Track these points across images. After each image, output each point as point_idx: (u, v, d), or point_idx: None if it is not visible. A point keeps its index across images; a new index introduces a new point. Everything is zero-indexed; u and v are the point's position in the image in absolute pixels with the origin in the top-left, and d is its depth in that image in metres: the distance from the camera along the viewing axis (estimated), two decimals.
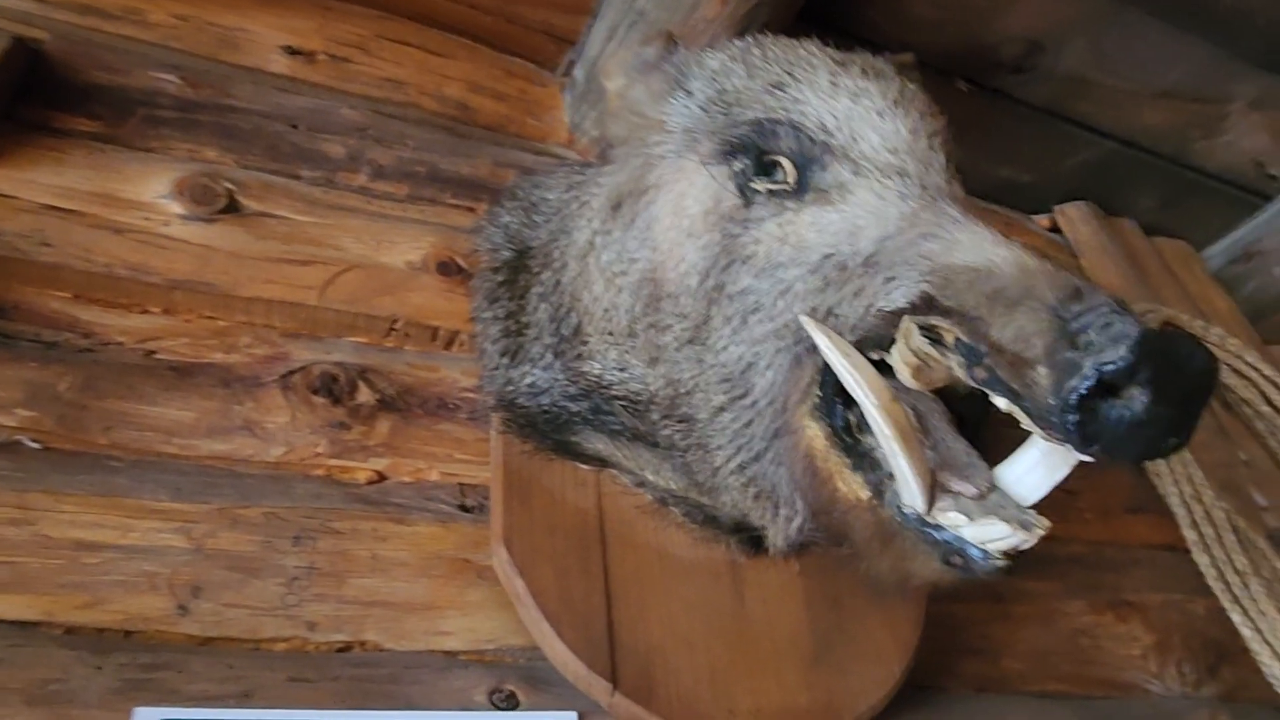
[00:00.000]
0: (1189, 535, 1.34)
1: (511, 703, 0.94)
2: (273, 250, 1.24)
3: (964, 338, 0.59)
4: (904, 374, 0.63)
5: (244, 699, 0.86)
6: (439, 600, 1.04)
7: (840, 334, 0.69)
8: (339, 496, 1.09)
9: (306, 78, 1.50)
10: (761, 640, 1.01)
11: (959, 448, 0.70)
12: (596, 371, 1.00)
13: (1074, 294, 0.58)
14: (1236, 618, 1.26)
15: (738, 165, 0.81)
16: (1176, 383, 0.56)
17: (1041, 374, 0.56)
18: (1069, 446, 0.59)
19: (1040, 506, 1.40)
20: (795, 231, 0.75)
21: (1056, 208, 2.03)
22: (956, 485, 0.66)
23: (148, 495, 1.01)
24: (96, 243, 1.16)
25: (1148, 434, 0.58)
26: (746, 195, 0.80)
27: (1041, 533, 0.67)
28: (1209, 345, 0.59)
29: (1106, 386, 0.56)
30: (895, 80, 0.85)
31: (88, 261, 1.14)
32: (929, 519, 0.66)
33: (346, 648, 0.99)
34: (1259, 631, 1.22)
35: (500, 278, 1.18)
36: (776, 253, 0.76)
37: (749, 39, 0.90)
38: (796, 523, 0.82)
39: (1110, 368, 0.55)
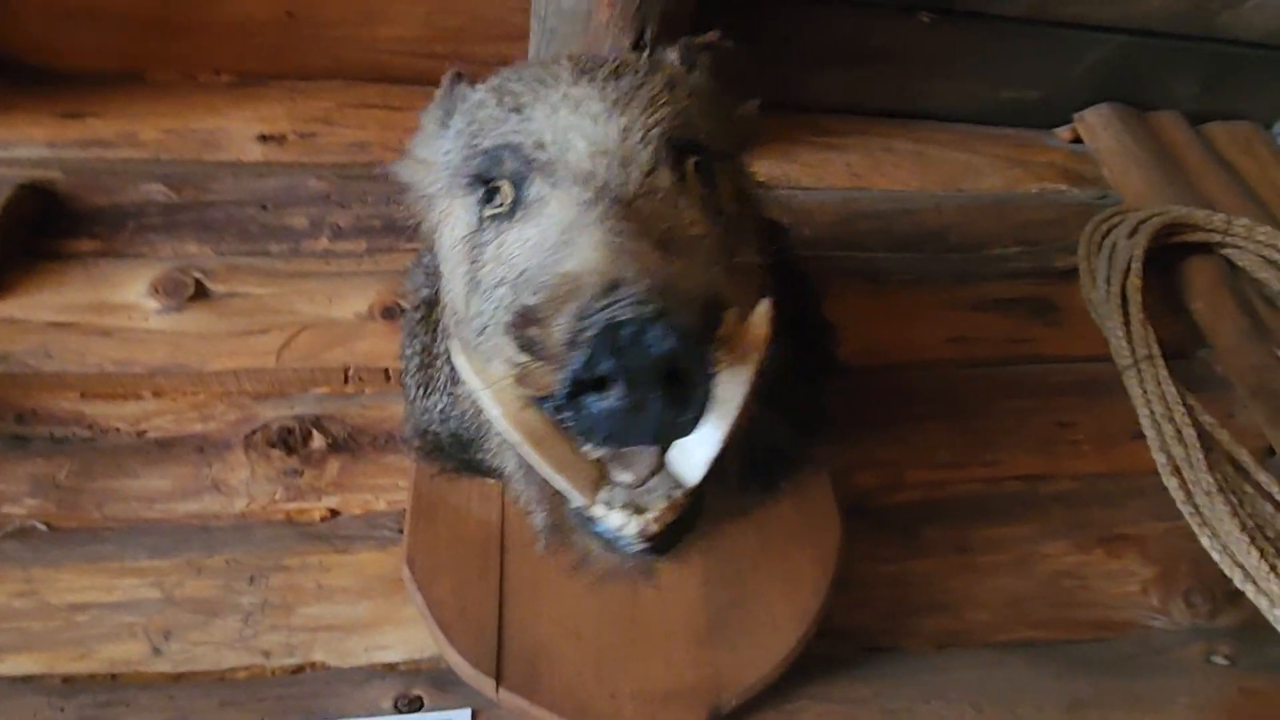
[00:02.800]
0: (1158, 458, 1.22)
1: (415, 706, 1.03)
2: (237, 325, 1.40)
3: (539, 347, 0.61)
4: (508, 383, 0.65)
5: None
6: (378, 619, 1.15)
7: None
8: (293, 537, 1.22)
9: (278, 159, 1.67)
10: (653, 624, 1.04)
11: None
12: (464, 393, 1.07)
13: (601, 293, 0.58)
14: (1205, 541, 1.14)
15: (476, 194, 0.86)
16: (646, 369, 0.55)
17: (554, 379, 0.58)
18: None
19: (1030, 442, 1.34)
20: (505, 251, 0.79)
21: (1076, 116, 1.89)
22: (618, 476, 0.68)
23: (129, 557, 1.18)
24: (90, 346, 1.36)
25: (641, 419, 0.58)
26: (480, 222, 0.85)
27: (651, 522, 0.67)
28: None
29: (595, 382, 0.57)
30: (633, 78, 0.86)
31: (84, 364, 1.34)
32: (585, 512, 0.69)
33: (299, 669, 1.11)
34: (1227, 552, 1.10)
35: (419, 315, 1.27)
36: (493, 274, 0.80)
37: (509, 70, 0.94)
38: (540, 520, 0.85)
39: (571, 372, 0.56)
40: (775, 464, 1.14)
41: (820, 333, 1.28)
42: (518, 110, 0.86)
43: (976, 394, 1.44)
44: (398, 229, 1.57)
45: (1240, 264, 1.50)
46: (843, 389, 1.39)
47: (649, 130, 0.82)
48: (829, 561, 1.10)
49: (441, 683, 1.06)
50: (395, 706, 1.03)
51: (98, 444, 1.29)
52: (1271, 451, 1.32)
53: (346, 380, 1.38)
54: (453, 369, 1.14)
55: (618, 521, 0.66)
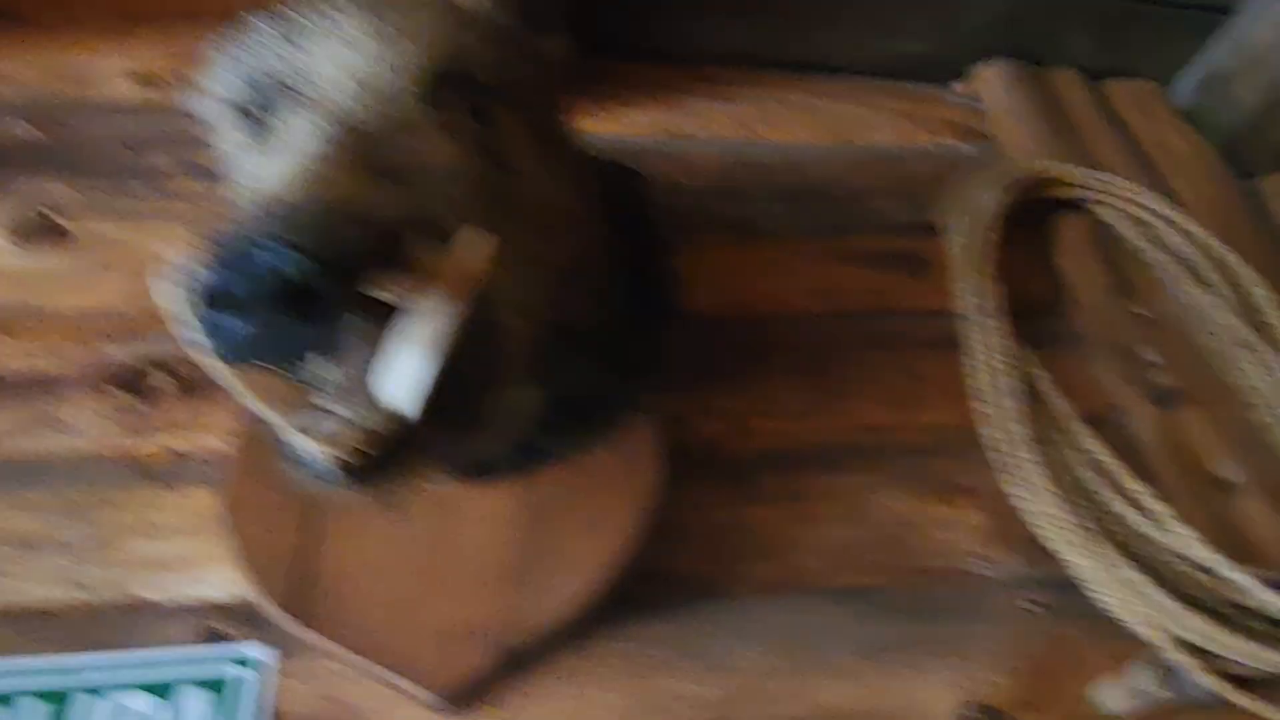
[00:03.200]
0: (982, 411, 1.23)
1: (218, 640, 1.04)
2: (90, 265, 1.39)
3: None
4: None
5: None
6: (202, 557, 1.15)
7: None
8: (129, 475, 1.22)
9: (147, 101, 1.64)
10: (459, 565, 1.05)
11: (362, 362, 0.70)
12: None
13: (257, 213, 0.58)
14: (1017, 496, 1.16)
15: (241, 124, 0.85)
16: (260, 281, 0.55)
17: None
18: None
19: (881, 394, 1.35)
20: (252, 182, 0.79)
21: (972, 71, 1.87)
22: (328, 403, 0.68)
23: None
24: None
25: (268, 337, 0.58)
26: (241, 152, 0.84)
27: (345, 452, 0.67)
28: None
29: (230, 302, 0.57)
30: (406, 7, 0.85)
31: None
32: (287, 441, 0.69)
33: (121, 606, 1.12)
34: (1037, 507, 1.12)
35: None
36: (244, 203, 0.80)
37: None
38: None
39: (191, 289, 0.57)
40: (597, 409, 1.14)
41: (660, 282, 1.28)
42: (289, 39, 0.84)
43: (834, 346, 1.44)
44: None
45: (1107, 220, 1.51)
46: (698, 340, 1.41)
47: (411, 61, 0.81)
48: (641, 506, 1.10)
49: (252, 621, 1.07)
50: (205, 641, 1.03)
51: None
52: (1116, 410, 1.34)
53: None
54: None
55: (314, 451, 0.66)
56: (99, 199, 1.48)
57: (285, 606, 1.01)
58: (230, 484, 1.11)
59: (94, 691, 0.96)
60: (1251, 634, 0.98)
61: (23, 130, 1.55)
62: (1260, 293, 1.34)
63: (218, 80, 0.93)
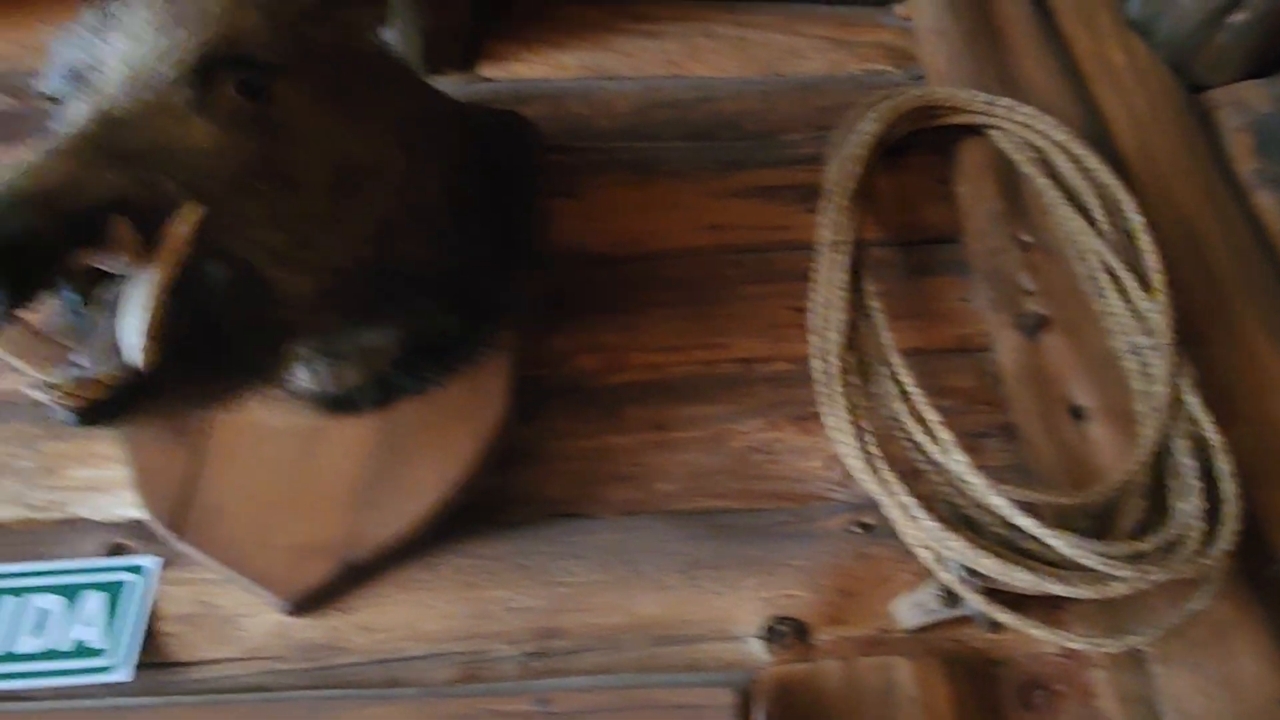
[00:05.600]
0: (811, 340, 1.27)
1: (118, 553, 1.21)
2: None
3: None
4: None
5: None
6: (119, 481, 1.32)
7: None
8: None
9: None
10: (315, 487, 1.19)
11: (107, 324, 0.82)
12: None
13: None
14: (829, 426, 1.20)
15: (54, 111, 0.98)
16: None
17: None
18: None
19: (758, 326, 1.39)
20: None
21: None
22: (74, 356, 0.81)
23: None
24: None
25: None
26: None
27: (61, 397, 0.79)
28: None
29: None
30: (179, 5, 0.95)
31: None
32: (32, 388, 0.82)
33: (61, 523, 1.31)
34: (842, 439, 1.16)
35: None
36: None
37: None
38: None
39: None
40: (449, 347, 1.25)
41: (525, 225, 1.36)
42: (95, 30, 0.96)
43: (720, 281, 1.50)
44: None
45: (1001, 146, 1.49)
46: (588, 278, 1.49)
47: (182, 50, 0.91)
48: (484, 436, 1.22)
49: (149, 536, 1.24)
50: (104, 553, 1.21)
51: None
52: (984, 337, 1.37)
53: None
54: None
55: (40, 397, 0.79)
56: None
57: (167, 524, 1.18)
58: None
59: (14, 593, 1.15)
60: (1014, 555, 1.02)
61: (2, 103, 1.73)
62: (1136, 219, 1.32)
63: (47, 70, 1.06)
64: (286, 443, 1.22)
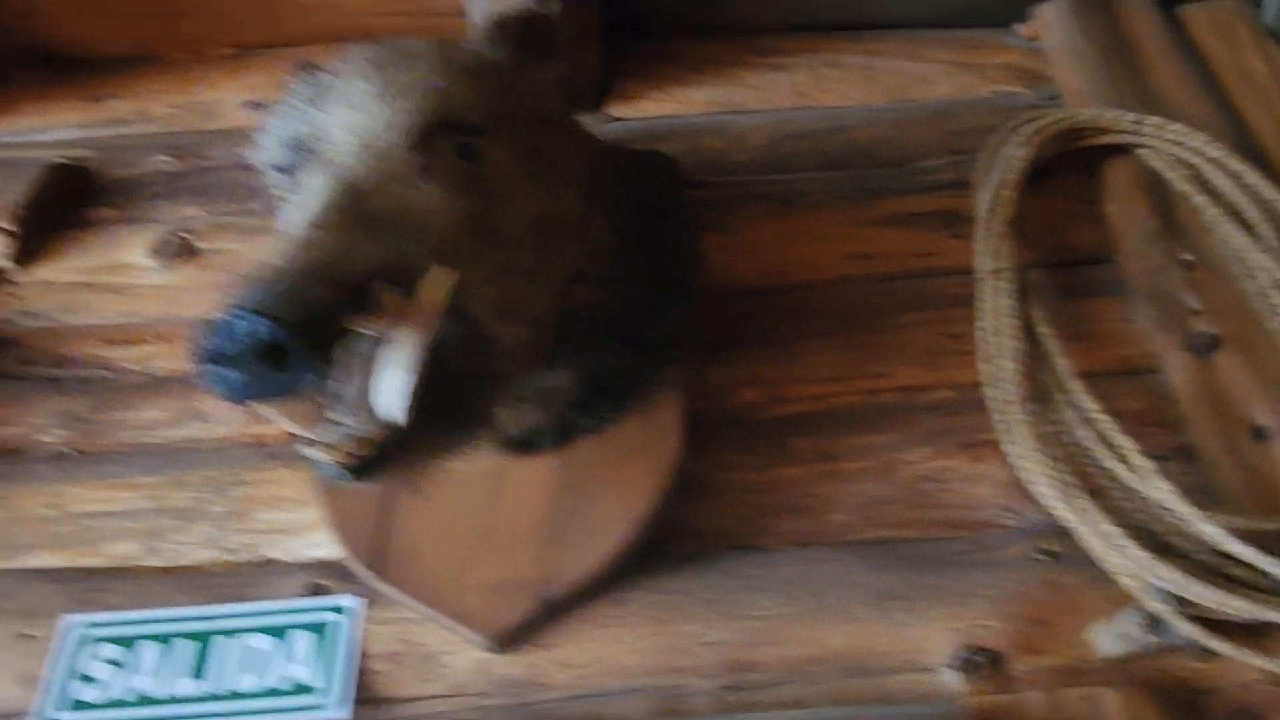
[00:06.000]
0: (981, 369, 1.27)
1: (319, 593, 1.27)
2: (217, 278, 1.64)
3: None
4: None
5: (141, 606, 1.27)
6: (317, 523, 1.39)
7: None
8: (256, 456, 1.47)
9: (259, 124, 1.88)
10: (506, 527, 1.23)
11: (362, 384, 0.86)
12: None
13: (247, 279, 0.75)
14: (1011, 455, 1.20)
15: (280, 179, 1.03)
16: (237, 345, 0.72)
17: None
18: None
19: (916, 354, 1.40)
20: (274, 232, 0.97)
21: (1035, 10, 1.84)
22: (334, 414, 0.85)
23: (129, 475, 1.46)
24: (104, 302, 1.64)
25: (253, 384, 0.74)
26: (280, 204, 1.02)
27: (340, 456, 0.83)
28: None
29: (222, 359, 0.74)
30: (405, 66, 1.00)
31: (100, 316, 1.62)
32: (301, 445, 0.87)
33: (254, 564, 1.37)
34: (1028, 467, 1.16)
35: None
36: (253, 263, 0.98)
37: (333, 60, 1.09)
38: None
39: (192, 349, 0.74)
40: (622, 386, 1.28)
41: (683, 261, 1.39)
42: (312, 101, 1.02)
43: (872, 310, 1.51)
44: None
45: (1152, 164, 1.48)
46: (739, 311, 1.51)
47: (405, 118, 0.96)
48: (664, 471, 1.24)
49: (347, 576, 1.29)
50: (304, 593, 1.27)
51: (114, 383, 1.58)
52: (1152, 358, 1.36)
53: None
54: None
55: (315, 454, 0.84)
56: (226, 220, 1.73)
57: (366, 562, 1.22)
58: None
59: (227, 634, 1.20)
60: (1228, 583, 1.01)
61: (163, 162, 1.82)
62: None
63: (264, 139, 1.12)
64: (472, 484, 1.26)
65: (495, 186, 1.01)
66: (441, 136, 0.97)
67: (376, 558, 1.23)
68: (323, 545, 1.36)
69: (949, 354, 1.45)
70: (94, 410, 1.54)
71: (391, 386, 0.82)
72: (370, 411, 0.84)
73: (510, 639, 1.18)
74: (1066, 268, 1.50)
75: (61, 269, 1.68)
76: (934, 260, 1.55)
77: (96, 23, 1.93)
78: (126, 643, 1.20)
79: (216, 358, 0.75)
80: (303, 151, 0.99)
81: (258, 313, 0.72)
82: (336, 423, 0.86)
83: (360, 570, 1.24)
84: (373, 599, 1.25)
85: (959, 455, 1.35)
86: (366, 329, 0.79)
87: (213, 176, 1.80)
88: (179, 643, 1.20)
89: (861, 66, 1.85)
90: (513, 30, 1.12)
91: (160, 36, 1.97)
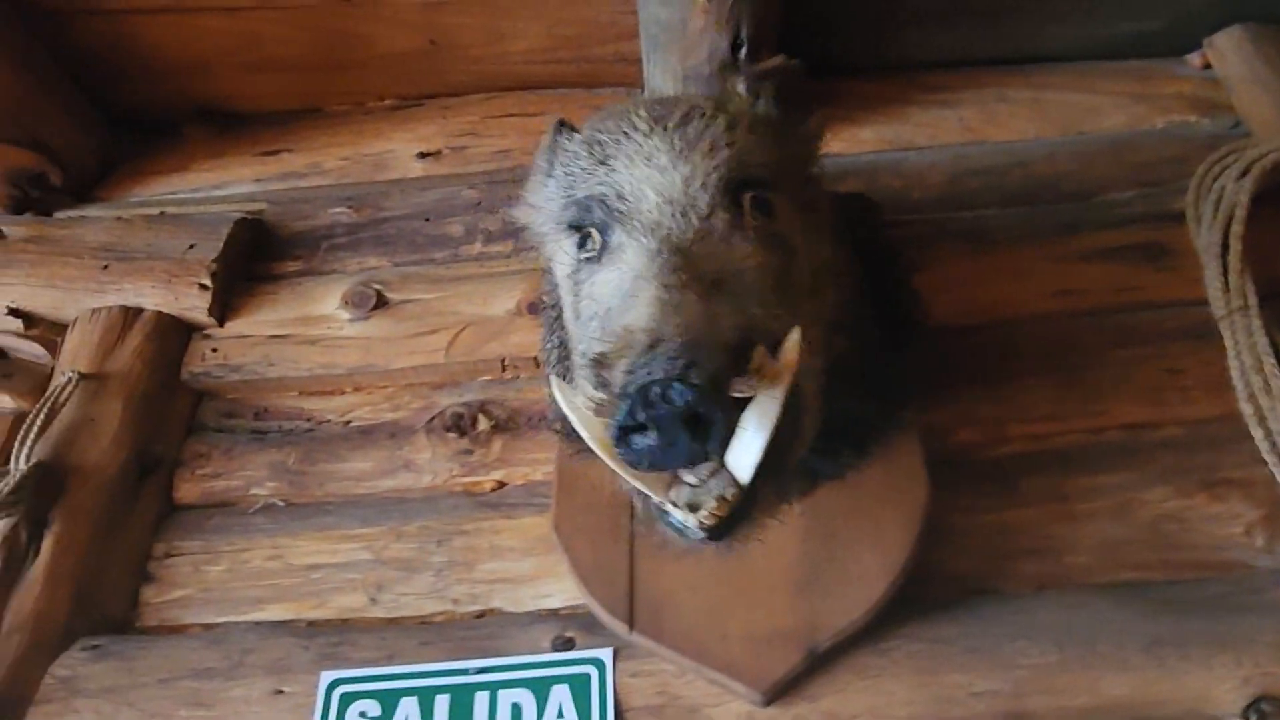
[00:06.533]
0: (1245, 409, 1.25)
1: (569, 645, 1.26)
2: (411, 328, 1.66)
3: (608, 386, 0.79)
4: (588, 412, 0.83)
5: (389, 660, 1.28)
6: (540, 573, 1.39)
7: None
8: (469, 506, 1.48)
9: (435, 172, 1.91)
10: (758, 577, 1.22)
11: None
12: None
13: (644, 350, 0.75)
14: None
15: (573, 238, 1.04)
16: (671, 418, 0.72)
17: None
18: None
19: (1136, 391, 1.37)
20: (595, 290, 0.96)
21: (1206, 41, 1.83)
22: (685, 476, 0.85)
23: (346, 526, 1.48)
24: (301, 354, 1.66)
25: (672, 452, 0.75)
26: (578, 263, 1.03)
27: (705, 517, 0.83)
28: None
29: (637, 426, 0.74)
30: (697, 124, 1.00)
31: (298, 368, 1.64)
32: (659, 507, 0.87)
33: (480, 615, 1.37)
34: None
35: (555, 312, 1.49)
36: (588, 308, 0.98)
37: (600, 118, 1.10)
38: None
39: (616, 420, 0.74)
40: (863, 431, 1.27)
41: (904, 302, 1.39)
42: (604, 162, 1.03)
43: (1083, 346, 1.49)
44: None
45: None
46: (945, 351, 1.50)
47: (707, 176, 0.97)
48: (915, 518, 1.23)
49: (589, 626, 1.28)
50: (553, 646, 1.26)
51: (315, 434, 1.60)
52: None
53: (503, 369, 1.61)
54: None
55: (681, 516, 0.84)
56: (410, 270, 1.76)
57: (616, 614, 1.22)
58: (556, 511, 1.34)
59: (488, 689, 1.20)
60: None
61: (343, 215, 1.86)
62: None
63: (542, 196, 1.13)
64: None
65: (788, 239, 1.01)
66: (741, 192, 0.98)
67: (627, 608, 1.22)
68: (553, 596, 1.37)
69: (1171, 390, 1.43)
70: (303, 462, 1.56)
71: (748, 446, 0.81)
72: (724, 472, 0.84)
73: (779, 691, 1.16)
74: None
75: (256, 322, 1.71)
76: (1140, 294, 1.54)
77: (263, 79, 1.98)
78: (388, 700, 1.20)
79: (635, 428, 0.75)
80: (602, 211, 0.99)
81: (683, 383, 0.72)
82: (688, 484, 0.86)
83: (609, 621, 1.23)
84: (622, 651, 1.24)
85: (1199, 494, 1.33)
86: (741, 392, 0.79)
87: (392, 227, 1.83)
88: (439, 699, 1.20)
89: (1031, 100, 1.84)
90: (773, 82, 1.13)
91: (324, 90, 2.01)
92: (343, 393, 1.64)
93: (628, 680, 1.22)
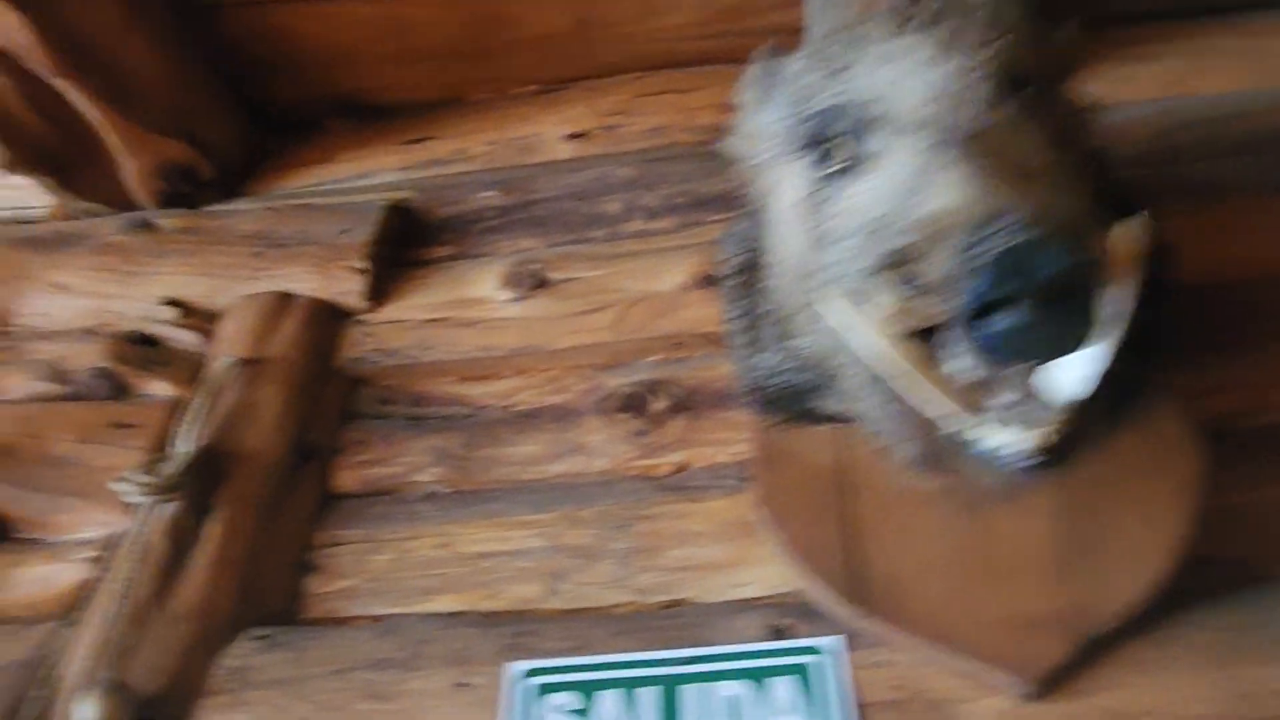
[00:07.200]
0: None
1: (784, 635, 1.12)
2: (574, 307, 1.56)
3: (919, 281, 0.66)
4: (888, 319, 0.70)
5: (579, 650, 1.15)
6: (734, 559, 1.26)
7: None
8: (649, 489, 1.36)
9: (586, 153, 1.83)
10: (1004, 556, 1.06)
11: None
12: (801, 347, 1.14)
13: (983, 223, 0.61)
14: None
15: (812, 156, 0.92)
16: (1045, 287, 0.58)
17: (949, 306, 0.62)
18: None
19: None
20: (849, 205, 0.84)
21: None
22: (993, 399, 0.71)
23: (516, 513, 1.37)
24: (458, 337, 1.58)
25: (1040, 335, 0.60)
26: (820, 181, 0.90)
27: (1046, 429, 0.68)
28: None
29: (993, 304, 0.60)
30: (955, 19, 0.88)
31: (455, 352, 1.56)
32: (965, 435, 0.72)
33: (671, 605, 1.24)
34: None
35: (738, 281, 1.37)
36: (840, 227, 0.86)
37: (820, 39, 0.99)
38: (911, 451, 0.89)
39: (976, 295, 0.60)
40: (1121, 391, 1.11)
41: (1154, 256, 1.22)
42: (842, 71, 0.91)
43: None
44: (704, 203, 1.67)
45: None
46: (1182, 311, 1.32)
47: (982, 67, 0.84)
48: (1188, 491, 1.06)
49: (805, 614, 1.14)
50: (765, 636, 1.12)
51: (475, 418, 1.50)
52: None
53: (676, 347, 1.50)
54: (779, 327, 1.23)
55: (1007, 438, 0.70)
56: (567, 249, 1.66)
57: (843, 597, 1.07)
58: (760, 489, 1.20)
59: (698, 680, 1.07)
60: None
61: (493, 199, 1.78)
62: None
63: (760, 124, 1.02)
64: (945, 506, 1.10)
65: (1057, 139, 0.88)
66: (1017, 87, 0.85)
67: (855, 591, 1.08)
68: (751, 584, 1.23)
69: None
70: (467, 447, 1.46)
71: (1089, 351, 0.67)
72: (1046, 389, 0.70)
73: (1046, 682, 1.00)
74: None
75: (410, 306, 1.63)
76: None
77: (407, 69, 1.93)
78: (589, 692, 1.07)
79: (996, 304, 0.62)
80: (851, 119, 0.87)
81: (1055, 247, 0.59)
82: (1010, 405, 0.72)
83: (833, 606, 1.09)
84: (849, 639, 1.10)
85: None
86: None
87: (544, 208, 1.74)
88: (644, 691, 1.07)
89: (1242, 50, 1.68)
90: None
91: (467, 79, 1.95)
92: (503, 376, 1.54)
93: (859, 671, 1.07)
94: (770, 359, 1.24)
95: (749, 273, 1.34)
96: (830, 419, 1.23)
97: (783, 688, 1.05)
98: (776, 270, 1.09)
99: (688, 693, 1.06)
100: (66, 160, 1.75)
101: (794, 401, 1.24)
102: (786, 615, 1.15)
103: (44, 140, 1.70)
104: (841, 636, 1.09)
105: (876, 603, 1.07)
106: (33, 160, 1.70)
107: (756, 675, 1.06)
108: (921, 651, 1.05)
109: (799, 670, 1.06)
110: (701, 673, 1.08)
